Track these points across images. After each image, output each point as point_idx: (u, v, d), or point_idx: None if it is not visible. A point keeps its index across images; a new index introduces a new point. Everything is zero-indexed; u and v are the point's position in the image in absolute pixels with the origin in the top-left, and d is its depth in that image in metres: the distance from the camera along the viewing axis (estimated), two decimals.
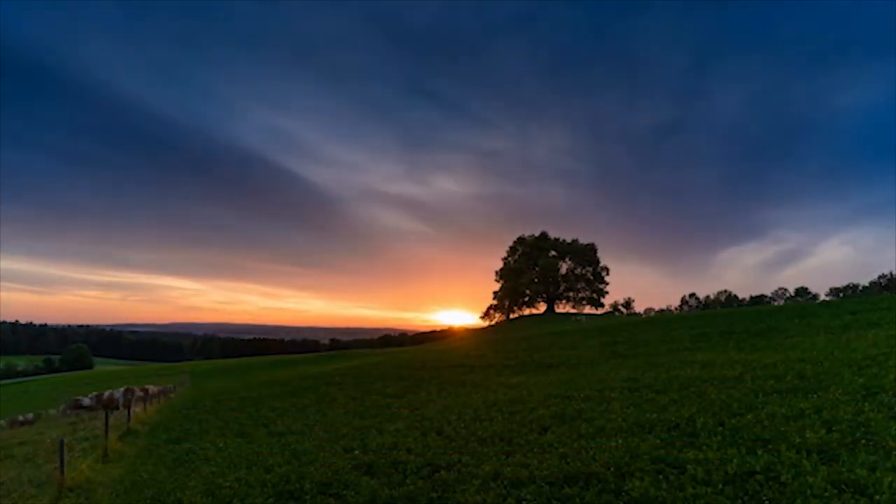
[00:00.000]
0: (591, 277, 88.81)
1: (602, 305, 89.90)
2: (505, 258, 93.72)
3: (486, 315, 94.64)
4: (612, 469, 6.50)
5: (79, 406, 26.04)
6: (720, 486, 5.52)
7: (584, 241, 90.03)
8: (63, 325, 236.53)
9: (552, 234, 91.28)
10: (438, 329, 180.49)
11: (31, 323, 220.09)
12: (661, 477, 6.03)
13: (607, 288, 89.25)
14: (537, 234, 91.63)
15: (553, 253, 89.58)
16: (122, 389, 27.36)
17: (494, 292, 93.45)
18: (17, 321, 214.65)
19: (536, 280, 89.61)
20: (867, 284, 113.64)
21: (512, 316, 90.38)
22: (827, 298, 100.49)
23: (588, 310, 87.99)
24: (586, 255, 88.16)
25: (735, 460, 6.09)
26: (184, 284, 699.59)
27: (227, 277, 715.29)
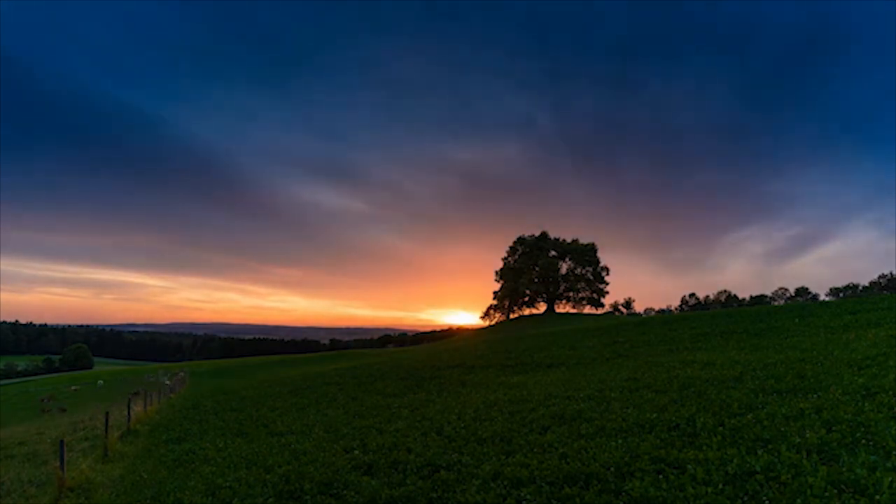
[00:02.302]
0: (591, 277, 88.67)
1: (602, 305, 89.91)
2: (505, 258, 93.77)
3: (486, 315, 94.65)
4: (612, 469, 6.50)
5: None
6: (720, 486, 5.52)
7: (583, 240, 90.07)
8: (63, 325, 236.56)
9: (550, 233, 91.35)
10: (438, 329, 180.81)
11: (31, 323, 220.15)
12: (661, 477, 6.03)
13: (607, 288, 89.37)
14: (537, 234, 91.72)
15: (553, 253, 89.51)
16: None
17: (494, 292, 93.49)
18: (17, 321, 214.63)
19: (536, 280, 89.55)
20: (867, 284, 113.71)
21: (512, 316, 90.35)
22: (827, 298, 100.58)
23: (588, 310, 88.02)
24: (586, 255, 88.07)
25: (735, 460, 6.09)
26: (152, 281, 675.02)
27: (189, 272, 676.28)
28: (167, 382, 29.41)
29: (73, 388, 52.17)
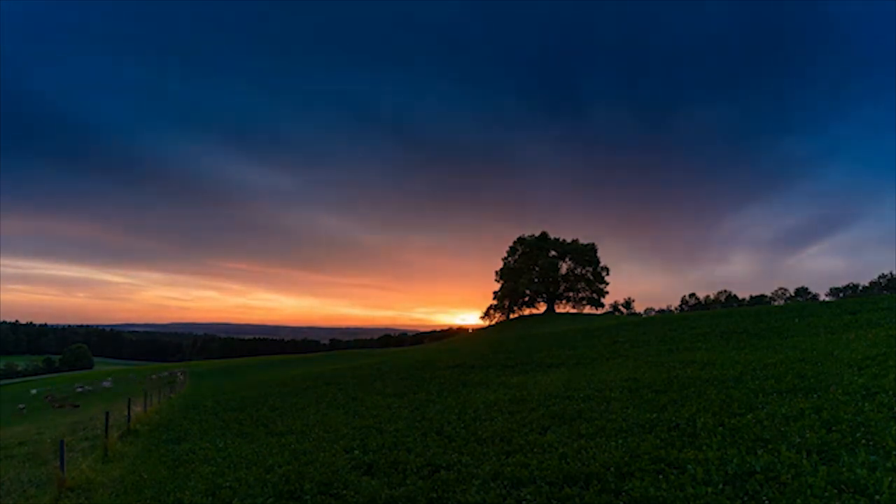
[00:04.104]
0: (591, 277, 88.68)
1: (602, 305, 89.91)
2: (505, 258, 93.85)
3: (486, 315, 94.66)
4: (612, 469, 6.50)
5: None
6: (720, 486, 5.52)
7: (583, 240, 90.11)
8: (63, 325, 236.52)
9: (551, 234, 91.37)
10: (439, 329, 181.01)
11: (30, 323, 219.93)
12: (661, 477, 6.03)
13: (607, 288, 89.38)
14: (537, 234, 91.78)
15: (553, 253, 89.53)
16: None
17: (494, 292, 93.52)
18: (16, 321, 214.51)
19: (536, 280, 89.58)
20: (867, 284, 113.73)
21: (512, 316, 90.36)
22: (827, 298, 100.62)
23: (588, 310, 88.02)
24: (586, 255, 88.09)
25: (735, 460, 6.09)
26: (115, 278, 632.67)
27: (148, 267, 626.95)
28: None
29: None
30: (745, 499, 5.18)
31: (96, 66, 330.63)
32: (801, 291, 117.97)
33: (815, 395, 8.61)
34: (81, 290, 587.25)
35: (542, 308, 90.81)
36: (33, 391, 47.03)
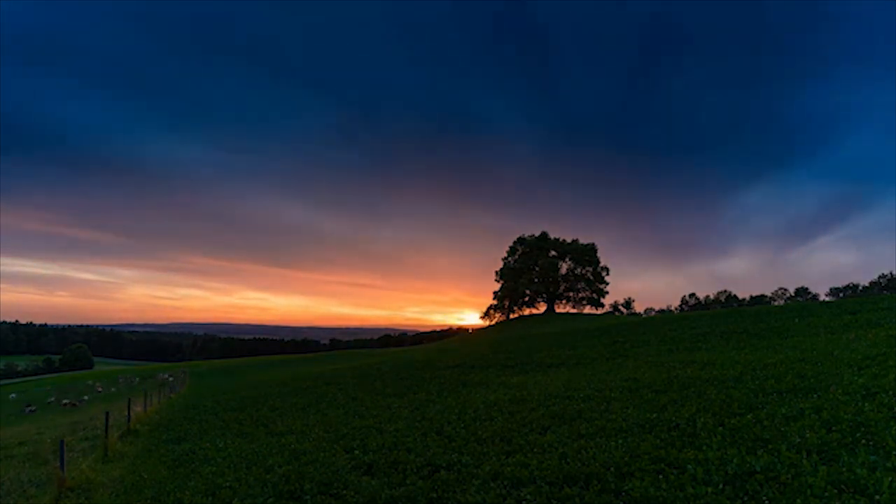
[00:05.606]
0: (591, 277, 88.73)
1: (602, 305, 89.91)
2: (505, 258, 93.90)
3: (486, 315, 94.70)
4: (612, 469, 6.50)
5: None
6: (720, 486, 5.52)
7: (583, 241, 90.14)
8: (63, 325, 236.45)
9: (551, 233, 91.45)
10: (439, 329, 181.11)
11: (30, 323, 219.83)
12: (661, 477, 6.03)
13: (607, 288, 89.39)
14: (537, 234, 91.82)
15: (553, 253, 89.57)
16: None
17: (494, 292, 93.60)
18: (17, 321, 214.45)
19: (536, 280, 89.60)
20: (867, 284, 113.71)
21: (512, 316, 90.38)
22: (827, 298, 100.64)
23: (588, 310, 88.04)
24: (586, 255, 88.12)
25: (735, 460, 6.09)
26: (94, 276, 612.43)
27: (122, 264, 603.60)
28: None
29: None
30: (745, 499, 5.18)
31: (56, 61, 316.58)
32: (801, 291, 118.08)
33: (815, 395, 8.62)
34: (61, 288, 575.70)
35: (542, 308, 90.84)
36: (12, 395, 46.61)
